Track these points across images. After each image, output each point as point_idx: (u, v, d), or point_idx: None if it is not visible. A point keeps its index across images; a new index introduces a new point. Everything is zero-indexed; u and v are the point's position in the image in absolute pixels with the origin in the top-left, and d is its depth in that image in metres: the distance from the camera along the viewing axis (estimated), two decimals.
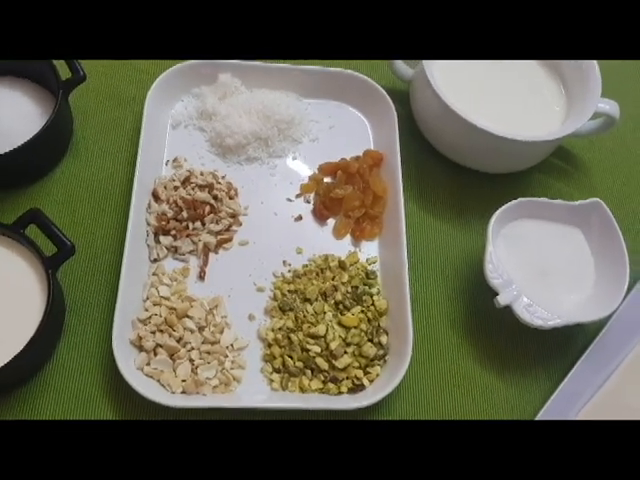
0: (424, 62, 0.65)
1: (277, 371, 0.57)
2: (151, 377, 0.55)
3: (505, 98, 0.69)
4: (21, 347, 0.50)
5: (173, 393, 0.55)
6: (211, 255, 0.63)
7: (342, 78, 0.72)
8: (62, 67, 0.63)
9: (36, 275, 0.55)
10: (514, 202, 0.62)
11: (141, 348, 0.56)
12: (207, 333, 0.58)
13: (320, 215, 0.66)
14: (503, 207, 0.61)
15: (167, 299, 0.59)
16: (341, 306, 0.60)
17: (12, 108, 0.65)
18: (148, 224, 0.63)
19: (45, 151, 0.64)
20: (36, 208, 0.55)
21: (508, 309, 0.57)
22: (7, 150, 0.59)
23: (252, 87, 0.72)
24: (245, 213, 0.66)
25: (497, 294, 0.57)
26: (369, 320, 0.60)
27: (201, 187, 0.65)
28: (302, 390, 0.56)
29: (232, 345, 0.58)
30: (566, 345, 0.62)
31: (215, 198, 0.64)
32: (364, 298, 0.61)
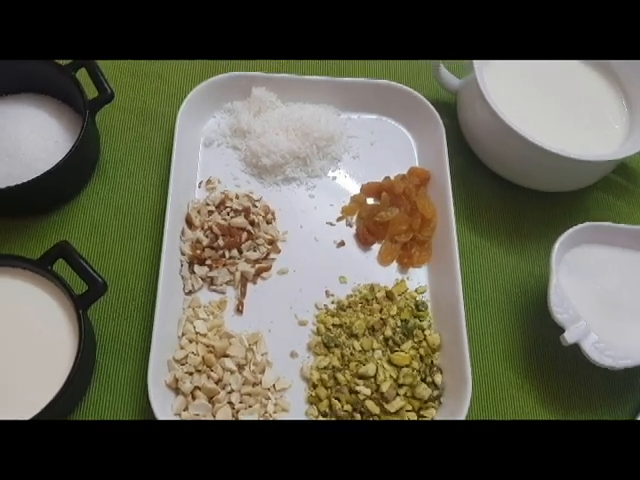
0: (476, 71, 0.60)
1: (324, 415, 0.53)
2: None
3: (562, 110, 0.64)
4: (52, 395, 0.46)
5: None
6: (249, 285, 0.59)
7: (383, 90, 0.67)
8: (87, 84, 0.59)
9: (65, 314, 0.51)
10: (578, 227, 0.57)
11: (178, 391, 0.52)
12: (247, 373, 0.53)
13: (364, 240, 0.62)
14: (567, 232, 0.56)
15: (204, 335, 0.55)
16: (391, 342, 0.56)
17: (34, 127, 0.60)
18: (182, 253, 0.59)
19: (71, 176, 0.60)
20: (64, 241, 0.52)
21: (574, 345, 0.52)
22: (31, 177, 0.55)
23: (287, 101, 0.67)
24: (283, 239, 0.61)
25: (562, 329, 0.53)
26: (421, 357, 0.55)
27: (237, 211, 0.60)
28: None
29: (274, 386, 0.54)
30: (635, 385, 0.57)
31: (252, 223, 0.60)
32: (415, 332, 0.56)
